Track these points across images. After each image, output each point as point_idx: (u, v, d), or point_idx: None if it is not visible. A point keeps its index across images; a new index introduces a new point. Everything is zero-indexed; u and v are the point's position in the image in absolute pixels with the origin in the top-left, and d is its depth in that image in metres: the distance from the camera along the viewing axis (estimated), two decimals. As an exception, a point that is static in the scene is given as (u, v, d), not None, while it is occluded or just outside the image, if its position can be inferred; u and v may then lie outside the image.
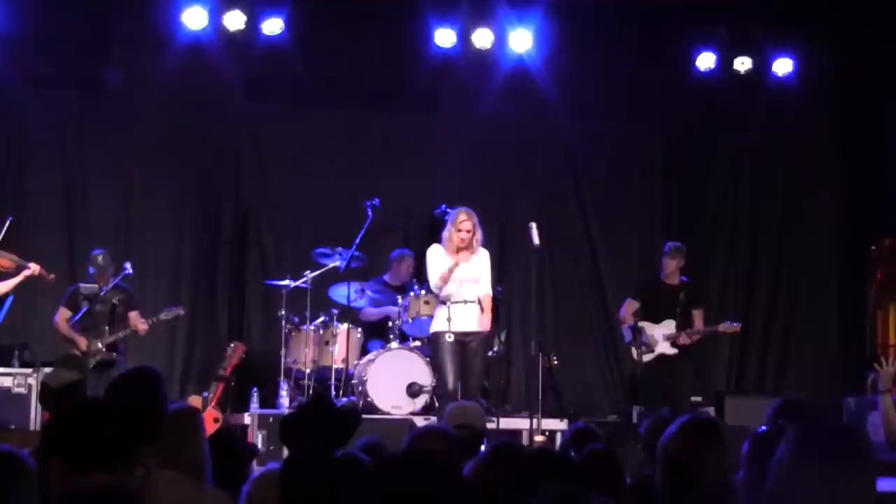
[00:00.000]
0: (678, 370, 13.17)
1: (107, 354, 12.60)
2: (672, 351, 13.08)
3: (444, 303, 11.73)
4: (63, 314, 12.70)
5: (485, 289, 11.80)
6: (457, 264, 11.68)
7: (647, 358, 13.02)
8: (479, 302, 11.69)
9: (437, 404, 12.38)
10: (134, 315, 12.83)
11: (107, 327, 12.64)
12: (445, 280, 11.67)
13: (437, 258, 11.83)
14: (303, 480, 4.26)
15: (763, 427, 4.24)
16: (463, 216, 11.77)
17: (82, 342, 12.50)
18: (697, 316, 13.20)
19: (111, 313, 12.70)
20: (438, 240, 12.01)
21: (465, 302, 11.67)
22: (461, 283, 11.67)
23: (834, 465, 3.10)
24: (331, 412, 5.39)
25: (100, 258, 12.78)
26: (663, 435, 4.60)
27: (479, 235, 11.80)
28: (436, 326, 11.78)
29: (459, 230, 11.68)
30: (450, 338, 11.52)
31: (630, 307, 13.36)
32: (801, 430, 3.21)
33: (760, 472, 3.87)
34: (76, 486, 3.68)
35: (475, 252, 11.83)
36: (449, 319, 11.55)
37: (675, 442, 4.52)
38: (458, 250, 11.71)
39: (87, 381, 7.46)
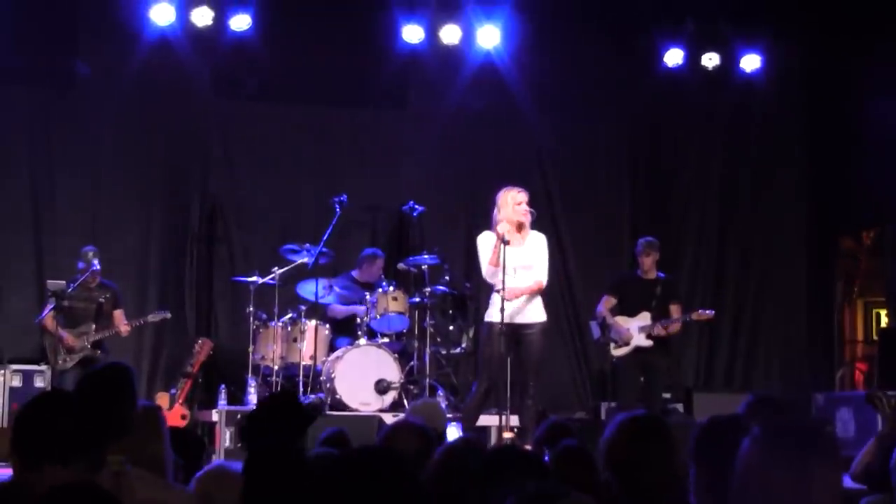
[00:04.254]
0: (652, 365, 12.79)
1: (91, 352, 12.59)
2: (647, 343, 12.77)
3: (497, 292, 10.61)
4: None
5: (536, 276, 10.82)
6: (501, 239, 10.52)
7: (621, 352, 12.80)
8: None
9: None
10: (118, 314, 12.85)
11: (93, 325, 12.63)
12: (496, 264, 10.58)
13: (488, 244, 10.76)
14: (266, 478, 4.22)
15: (702, 420, 4.17)
16: (516, 192, 10.79)
17: (69, 339, 12.44)
18: (675, 311, 12.90)
19: (98, 311, 12.69)
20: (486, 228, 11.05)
21: None
22: (515, 270, 10.63)
23: (803, 463, 3.08)
24: (291, 408, 5.36)
25: (90, 254, 12.65)
26: (603, 434, 4.46)
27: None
28: (488, 317, 10.79)
29: (519, 203, 10.70)
30: (502, 329, 10.47)
31: (608, 303, 12.99)
32: (767, 428, 3.18)
33: (710, 468, 3.85)
34: (47, 484, 3.64)
35: (527, 236, 10.88)
36: (502, 311, 10.45)
37: (615, 442, 4.39)
38: (520, 228, 10.71)
39: None
